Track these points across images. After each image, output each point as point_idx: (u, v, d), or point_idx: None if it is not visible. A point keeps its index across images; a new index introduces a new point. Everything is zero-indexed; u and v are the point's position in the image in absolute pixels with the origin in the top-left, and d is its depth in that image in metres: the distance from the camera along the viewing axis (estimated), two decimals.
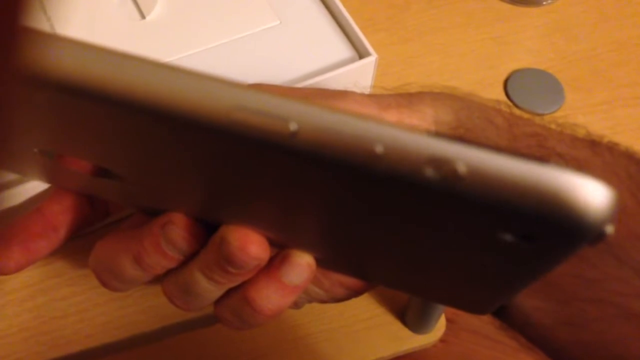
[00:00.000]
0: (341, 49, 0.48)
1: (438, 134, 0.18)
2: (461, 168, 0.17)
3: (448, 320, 0.46)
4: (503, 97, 0.54)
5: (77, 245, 0.37)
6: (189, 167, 0.24)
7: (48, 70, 0.19)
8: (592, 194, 0.17)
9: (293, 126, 0.18)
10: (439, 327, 0.46)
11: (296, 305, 0.37)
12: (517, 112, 0.32)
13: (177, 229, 0.29)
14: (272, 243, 0.29)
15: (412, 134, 0.18)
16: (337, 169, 0.19)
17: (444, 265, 0.26)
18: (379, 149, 0.18)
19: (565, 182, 0.17)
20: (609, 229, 0.17)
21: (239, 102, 0.18)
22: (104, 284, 0.34)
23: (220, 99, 0.18)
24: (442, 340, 0.47)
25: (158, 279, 0.34)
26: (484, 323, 0.49)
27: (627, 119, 0.54)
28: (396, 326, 0.45)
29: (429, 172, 0.17)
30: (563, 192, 0.17)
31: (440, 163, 0.17)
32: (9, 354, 0.43)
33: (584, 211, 0.17)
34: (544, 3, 0.60)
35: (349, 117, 0.18)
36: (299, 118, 0.18)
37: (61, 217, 0.34)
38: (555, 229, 0.18)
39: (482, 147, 0.18)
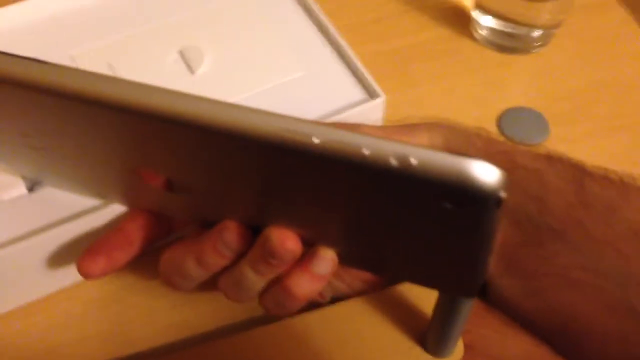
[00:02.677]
0: (355, 92, 0.52)
1: (400, 141, 0.26)
2: (413, 160, 0.25)
3: (466, 346, 0.46)
4: (496, 131, 0.58)
5: (143, 262, 0.41)
6: (243, 179, 0.31)
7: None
8: (488, 173, 0.25)
9: (316, 140, 0.26)
10: (457, 352, 0.46)
11: (322, 297, 0.42)
12: (493, 136, 0.38)
13: (231, 233, 0.35)
14: (303, 241, 0.34)
15: (386, 141, 0.26)
16: (343, 167, 0.26)
17: (425, 247, 0.32)
18: (365, 151, 0.26)
19: (471, 167, 0.25)
20: (503, 194, 0.25)
21: (287, 126, 0.26)
22: (171, 283, 0.39)
23: (276, 124, 0.26)
24: None
25: (214, 278, 0.38)
26: (502, 349, 0.49)
27: (605, 148, 0.58)
28: (416, 351, 0.46)
29: (394, 162, 0.25)
30: (470, 172, 0.25)
31: (401, 157, 0.25)
32: (90, 352, 0.47)
33: (483, 182, 0.25)
34: (532, 51, 0.64)
35: (347, 133, 0.26)
36: (320, 135, 0.26)
37: (136, 233, 0.39)
38: (470, 195, 0.25)
39: (426, 148, 0.26)
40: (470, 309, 0.40)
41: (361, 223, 0.32)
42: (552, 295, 0.34)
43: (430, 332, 0.46)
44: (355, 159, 0.26)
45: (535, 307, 0.34)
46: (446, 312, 0.41)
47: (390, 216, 0.30)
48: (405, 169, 0.25)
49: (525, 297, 0.34)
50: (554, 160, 0.36)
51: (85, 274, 0.39)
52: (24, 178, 0.46)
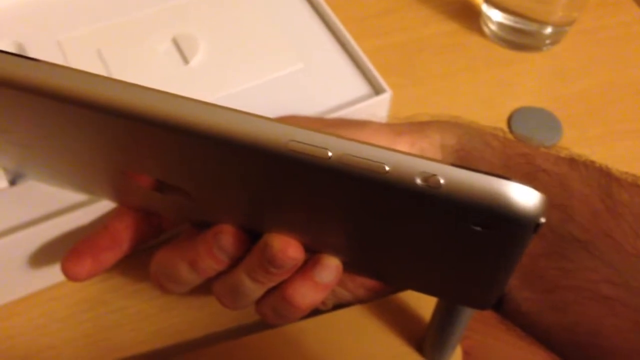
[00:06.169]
0: (360, 87, 0.50)
1: (427, 157, 0.24)
2: (441, 180, 0.23)
3: (464, 352, 0.47)
4: (506, 131, 0.56)
5: (131, 264, 0.40)
6: (243, 185, 0.29)
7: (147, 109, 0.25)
8: (528, 197, 0.23)
9: (330, 153, 0.24)
10: (455, 359, 0.46)
11: (324, 304, 0.40)
12: (510, 136, 0.36)
13: (227, 236, 0.33)
14: (305, 248, 0.32)
15: (409, 157, 0.24)
16: (359, 183, 0.24)
17: (443, 262, 0.30)
18: (387, 167, 0.24)
19: (509, 190, 0.23)
20: (542, 220, 0.23)
21: (295, 136, 0.24)
22: (162, 286, 0.37)
23: (282, 134, 0.24)
24: None
25: (208, 282, 0.37)
26: (501, 357, 0.51)
27: (619, 151, 0.56)
28: (414, 357, 0.46)
29: (419, 182, 0.23)
30: (509, 196, 0.23)
31: (427, 176, 0.23)
32: (73, 357, 0.45)
33: (523, 207, 0.23)
34: (544, 49, 0.63)
35: (368, 146, 0.24)
36: (334, 148, 0.24)
37: (124, 233, 0.37)
38: (506, 220, 0.23)
39: (457, 165, 0.24)
40: (470, 316, 0.39)
41: (372, 235, 0.30)
42: (576, 310, 0.32)
43: (428, 338, 0.46)
44: (374, 176, 0.24)
45: (556, 322, 0.32)
46: (445, 318, 0.41)
47: (407, 231, 0.28)
48: (432, 189, 0.23)
49: (545, 312, 0.32)
50: (577, 164, 0.34)
51: (70, 276, 0.37)
52: (4, 170, 0.44)
